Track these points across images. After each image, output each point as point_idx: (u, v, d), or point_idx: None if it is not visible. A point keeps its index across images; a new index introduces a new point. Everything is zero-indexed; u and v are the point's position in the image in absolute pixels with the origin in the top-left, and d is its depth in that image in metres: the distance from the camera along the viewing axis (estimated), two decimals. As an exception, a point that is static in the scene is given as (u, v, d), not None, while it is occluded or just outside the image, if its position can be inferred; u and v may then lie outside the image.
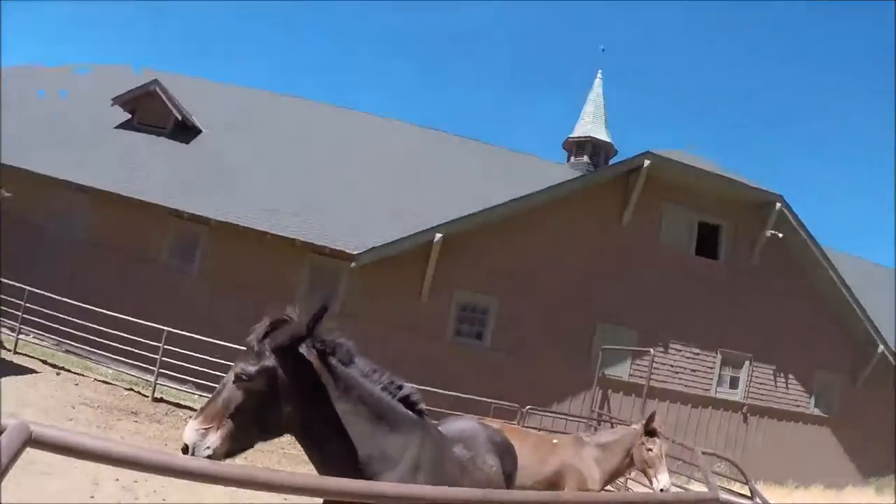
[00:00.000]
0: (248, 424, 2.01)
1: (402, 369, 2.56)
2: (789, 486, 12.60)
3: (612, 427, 11.92)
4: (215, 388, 2.12)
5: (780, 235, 13.19)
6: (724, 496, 1.83)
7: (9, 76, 16.53)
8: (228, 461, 1.83)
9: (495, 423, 5.44)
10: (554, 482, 4.72)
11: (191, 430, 1.94)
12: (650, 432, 4.65)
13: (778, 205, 13.07)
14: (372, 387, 2.35)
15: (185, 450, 1.93)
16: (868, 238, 54.34)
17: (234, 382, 2.02)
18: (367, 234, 11.58)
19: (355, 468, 2.20)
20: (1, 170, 11.94)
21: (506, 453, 3.32)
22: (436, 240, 11.08)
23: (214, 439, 1.94)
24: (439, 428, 2.96)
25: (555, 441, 5.11)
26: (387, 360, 2.47)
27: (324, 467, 2.21)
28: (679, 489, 7.69)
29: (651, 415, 4.78)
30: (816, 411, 14.07)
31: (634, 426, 4.95)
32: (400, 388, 2.47)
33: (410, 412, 2.48)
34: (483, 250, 11.80)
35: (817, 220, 50.17)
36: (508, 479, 3.29)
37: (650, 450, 4.57)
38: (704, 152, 16.09)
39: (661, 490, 4.34)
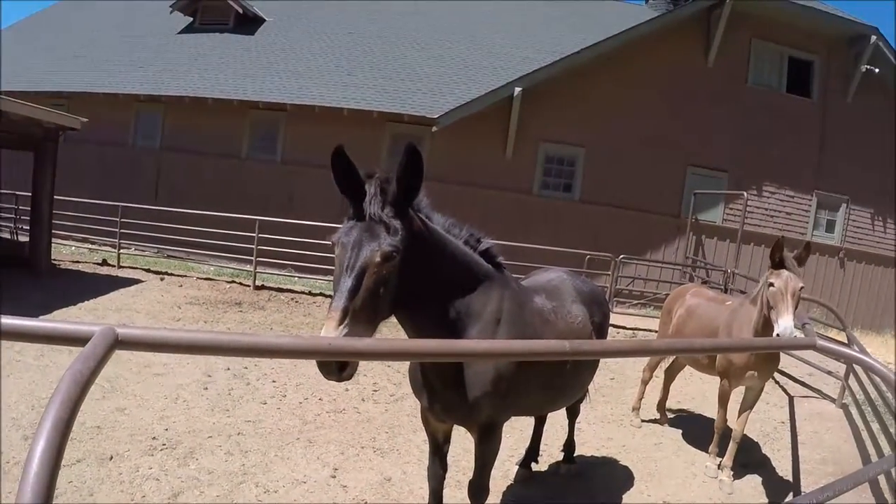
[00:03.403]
0: (380, 306, 1.79)
1: (492, 227, 2.51)
2: (886, 335, 12.19)
3: (707, 273, 11.82)
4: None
5: (876, 71, 12.35)
6: (820, 342, 1.68)
7: (68, 9, 16.83)
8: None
9: (692, 287, 5.35)
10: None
11: (331, 334, 1.62)
12: (776, 264, 3.71)
13: (873, 37, 12.16)
14: (458, 242, 2.26)
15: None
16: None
17: (377, 263, 1.75)
18: (445, 98, 11.42)
19: (447, 328, 2.15)
20: (74, 97, 12.33)
21: (594, 303, 3.18)
22: (515, 94, 10.82)
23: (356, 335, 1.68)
24: (525, 280, 2.89)
25: (728, 303, 4.72)
26: (475, 219, 2.38)
27: (419, 332, 2.11)
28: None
29: (777, 241, 3.72)
30: (918, 255, 13.43)
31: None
32: (479, 241, 2.38)
33: (490, 266, 2.40)
34: (565, 101, 11.45)
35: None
36: (599, 330, 3.17)
37: (772, 285, 3.64)
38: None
39: (778, 336, 3.46)
